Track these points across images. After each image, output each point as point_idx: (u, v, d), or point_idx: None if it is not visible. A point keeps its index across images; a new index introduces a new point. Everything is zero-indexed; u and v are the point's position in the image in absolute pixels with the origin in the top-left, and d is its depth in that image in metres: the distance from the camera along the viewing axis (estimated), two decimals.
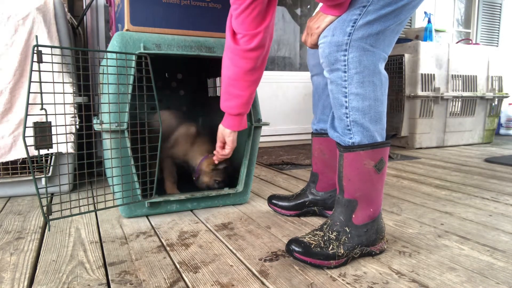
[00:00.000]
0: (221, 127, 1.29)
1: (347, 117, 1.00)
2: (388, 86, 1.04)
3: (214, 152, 1.37)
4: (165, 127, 1.34)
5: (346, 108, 0.99)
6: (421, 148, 3.20)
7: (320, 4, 1.02)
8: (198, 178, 1.53)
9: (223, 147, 1.34)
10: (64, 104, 1.24)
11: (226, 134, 1.28)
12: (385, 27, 0.96)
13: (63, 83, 1.25)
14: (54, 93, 1.09)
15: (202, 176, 1.51)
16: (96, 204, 1.52)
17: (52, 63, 1.06)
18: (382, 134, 1.02)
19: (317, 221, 1.35)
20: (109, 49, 1.38)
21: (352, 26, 0.95)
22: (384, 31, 0.96)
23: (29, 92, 1.01)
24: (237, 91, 1.19)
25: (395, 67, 3.18)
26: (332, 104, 1.04)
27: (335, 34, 0.96)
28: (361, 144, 1.00)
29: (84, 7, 2.28)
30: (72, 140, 1.62)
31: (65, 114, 1.17)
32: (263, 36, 1.09)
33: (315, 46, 1.06)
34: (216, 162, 1.43)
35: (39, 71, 0.99)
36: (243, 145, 1.54)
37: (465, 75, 3.33)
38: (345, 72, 0.97)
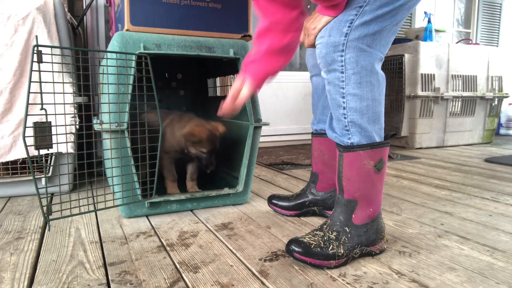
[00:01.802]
0: (239, 82, 1.13)
1: (345, 118, 1.00)
2: (385, 86, 1.04)
3: (225, 103, 1.16)
4: (153, 129, 1.32)
5: (344, 108, 0.99)
6: (421, 148, 3.20)
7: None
8: (189, 153, 1.49)
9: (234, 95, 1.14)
10: (64, 104, 1.24)
11: (245, 87, 1.13)
12: (381, 28, 0.96)
13: (63, 83, 1.25)
14: (54, 93, 1.08)
15: (188, 149, 1.47)
16: (96, 204, 1.52)
17: (52, 63, 1.06)
18: (380, 134, 1.02)
19: (317, 221, 1.35)
20: (109, 49, 1.38)
21: (349, 27, 0.95)
22: (380, 32, 0.97)
23: (29, 92, 1.01)
24: (270, 63, 1.12)
25: (395, 67, 3.18)
26: (330, 104, 1.04)
27: (331, 34, 0.96)
28: (360, 144, 1.00)
29: (84, 7, 2.28)
30: (72, 140, 1.62)
31: (65, 114, 1.17)
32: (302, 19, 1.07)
33: (312, 46, 1.06)
34: (220, 114, 1.19)
35: (39, 71, 0.99)
36: (243, 145, 1.54)
37: (465, 75, 3.33)
38: (342, 72, 0.97)
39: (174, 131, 1.50)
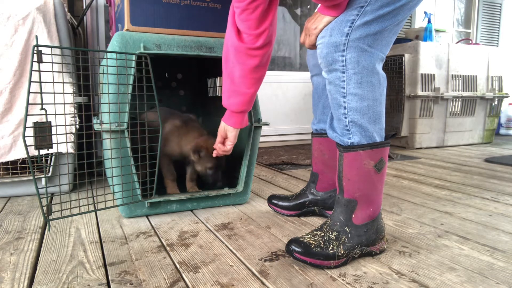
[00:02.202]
0: (223, 124, 1.29)
1: (345, 118, 1.00)
2: (386, 86, 1.04)
3: (214, 146, 1.36)
4: (153, 128, 1.33)
5: (345, 108, 0.99)
6: (421, 148, 3.20)
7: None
8: (194, 167, 1.52)
9: (223, 143, 1.33)
10: (64, 104, 1.24)
11: (228, 130, 1.28)
12: (383, 28, 0.96)
13: (63, 83, 1.25)
14: (54, 93, 1.09)
15: (195, 165, 1.50)
16: (96, 204, 1.52)
17: (52, 63, 1.06)
18: (381, 134, 1.02)
19: (317, 221, 1.35)
20: (109, 49, 1.38)
21: (350, 27, 0.95)
22: (382, 32, 0.97)
23: (29, 92, 1.01)
24: (242, 89, 1.18)
25: (395, 67, 3.18)
26: (330, 104, 1.04)
27: (332, 34, 0.96)
28: (360, 144, 1.00)
29: (84, 7, 2.28)
30: (72, 140, 1.62)
31: (65, 114, 1.17)
32: (268, 34, 1.09)
33: (313, 47, 1.06)
34: (215, 155, 1.42)
35: (39, 71, 0.99)
36: (243, 145, 1.54)
37: (465, 75, 3.33)
38: (343, 72, 0.97)
39: (181, 143, 1.51)
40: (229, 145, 1.31)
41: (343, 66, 0.96)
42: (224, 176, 1.52)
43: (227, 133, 1.29)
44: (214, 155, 1.40)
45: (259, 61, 1.13)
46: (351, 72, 0.96)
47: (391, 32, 0.99)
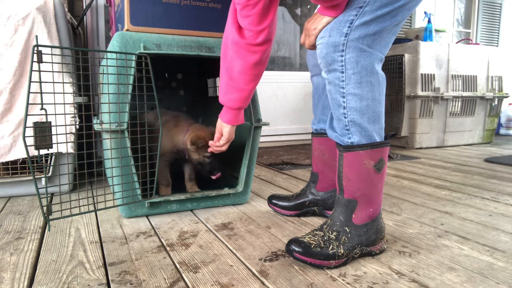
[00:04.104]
0: (219, 121, 1.28)
1: (345, 117, 1.00)
2: (386, 86, 1.04)
3: (210, 143, 1.35)
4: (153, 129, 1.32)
5: (344, 108, 0.99)
6: (421, 148, 3.20)
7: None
8: (190, 158, 1.49)
9: (220, 139, 1.32)
10: (64, 104, 1.24)
11: (223, 126, 1.27)
12: (381, 28, 0.96)
13: (63, 83, 1.25)
14: (54, 93, 1.09)
15: (191, 155, 1.47)
16: (96, 204, 1.52)
17: (52, 63, 1.06)
18: (380, 134, 1.03)
19: (317, 221, 1.35)
20: (109, 49, 1.38)
21: (349, 27, 0.95)
22: (380, 32, 0.97)
23: (29, 92, 1.01)
24: (240, 85, 1.18)
25: (395, 67, 3.18)
26: (330, 104, 1.04)
27: (332, 34, 0.97)
28: (360, 144, 1.00)
29: (84, 7, 2.28)
30: (72, 140, 1.62)
31: (65, 114, 1.17)
32: (269, 31, 1.09)
33: (313, 47, 1.06)
34: (210, 152, 1.41)
35: (39, 71, 0.99)
36: (243, 145, 1.54)
37: (465, 75, 3.33)
38: (342, 72, 0.97)
39: (172, 135, 1.49)
40: (223, 142, 1.30)
41: (342, 66, 0.97)
42: (220, 164, 1.49)
43: (222, 129, 1.28)
44: (209, 151, 1.39)
45: (260, 58, 1.13)
46: (350, 72, 0.96)
47: (390, 32, 1.00)
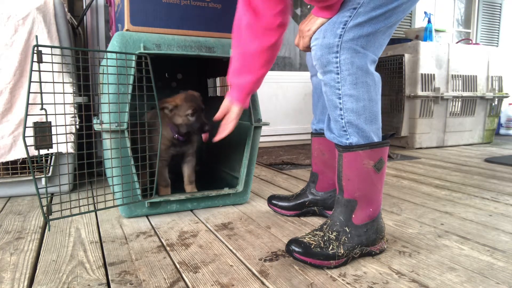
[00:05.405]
0: (227, 100, 1.23)
1: (342, 119, 1.00)
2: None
3: (214, 118, 1.29)
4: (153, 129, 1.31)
5: (341, 109, 0.99)
6: (421, 148, 3.20)
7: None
8: (178, 127, 1.45)
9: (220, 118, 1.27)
10: (64, 104, 1.24)
11: (233, 104, 1.23)
12: (375, 29, 0.96)
13: (63, 83, 1.25)
14: (54, 93, 1.09)
15: (174, 121, 1.43)
16: (96, 204, 1.52)
17: (52, 63, 1.06)
18: (378, 134, 1.03)
19: (317, 221, 1.35)
20: (109, 49, 1.38)
21: (343, 28, 0.95)
22: (374, 33, 0.97)
23: (29, 92, 1.01)
24: (255, 67, 1.16)
25: (395, 67, 3.18)
26: (327, 106, 1.04)
27: (326, 36, 0.97)
28: (359, 144, 1.00)
29: (84, 7, 2.28)
30: (72, 140, 1.62)
31: (65, 114, 1.17)
32: (285, 14, 1.07)
33: (308, 49, 1.06)
34: (205, 140, 1.37)
35: (39, 71, 0.99)
36: (243, 145, 1.54)
37: (465, 75, 3.33)
38: (337, 73, 0.97)
39: (156, 124, 1.45)
40: (233, 124, 1.23)
41: (337, 67, 0.97)
42: (209, 120, 1.42)
43: (232, 107, 1.23)
44: (204, 139, 1.36)
45: (275, 41, 1.11)
46: (345, 73, 0.96)
47: (384, 34, 1.00)
